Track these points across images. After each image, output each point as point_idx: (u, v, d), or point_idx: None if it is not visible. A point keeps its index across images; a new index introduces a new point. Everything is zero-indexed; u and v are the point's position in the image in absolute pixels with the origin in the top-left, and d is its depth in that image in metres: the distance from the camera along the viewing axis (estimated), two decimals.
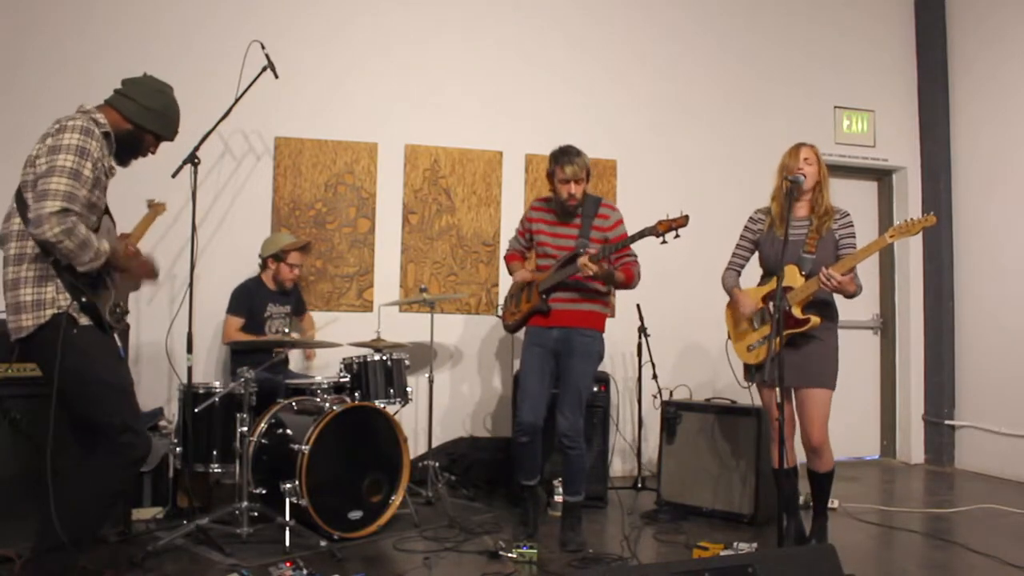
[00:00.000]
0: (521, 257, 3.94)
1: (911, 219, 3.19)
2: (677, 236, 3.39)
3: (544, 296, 3.65)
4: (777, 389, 3.04)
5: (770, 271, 3.54)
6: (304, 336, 4.56)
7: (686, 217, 3.38)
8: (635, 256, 3.65)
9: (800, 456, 3.55)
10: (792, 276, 3.34)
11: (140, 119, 2.75)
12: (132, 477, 2.70)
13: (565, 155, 3.59)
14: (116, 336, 2.77)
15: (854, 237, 3.40)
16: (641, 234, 3.41)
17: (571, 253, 3.59)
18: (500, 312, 4.00)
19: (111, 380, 2.62)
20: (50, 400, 2.51)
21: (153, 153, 2.87)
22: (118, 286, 2.75)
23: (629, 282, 3.63)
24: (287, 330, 4.36)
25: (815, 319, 3.30)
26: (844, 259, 3.28)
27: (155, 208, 3.33)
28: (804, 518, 3.63)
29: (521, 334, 3.89)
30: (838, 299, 3.47)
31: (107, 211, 2.77)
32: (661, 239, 3.38)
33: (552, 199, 3.75)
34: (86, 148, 2.53)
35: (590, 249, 3.48)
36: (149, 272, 2.92)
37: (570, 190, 3.59)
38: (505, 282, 5.11)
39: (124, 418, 2.61)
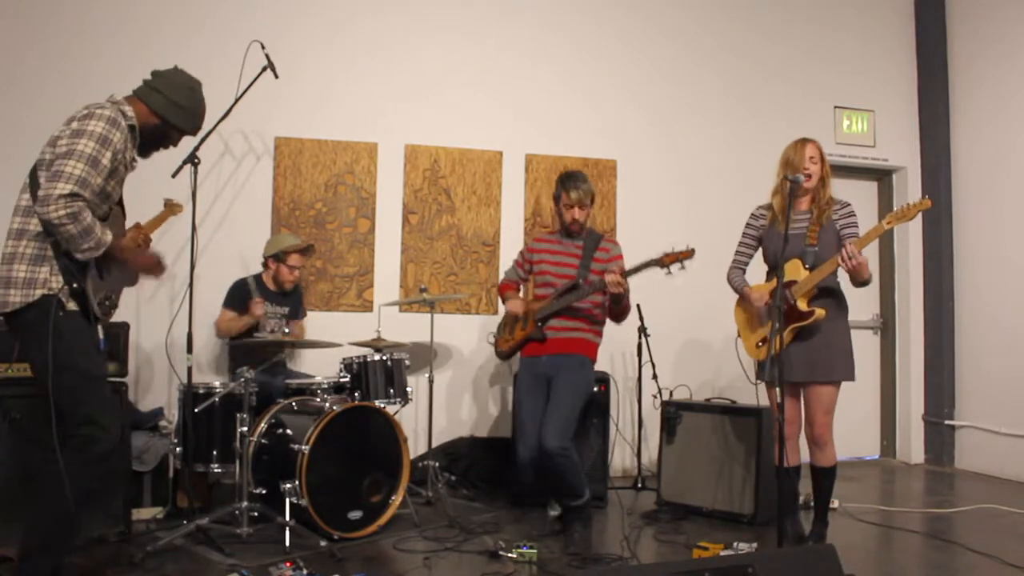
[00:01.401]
0: (516, 287, 4.04)
1: (907, 204, 3.19)
2: (683, 268, 3.48)
3: (540, 324, 3.73)
4: (777, 389, 3.04)
5: (774, 267, 3.54)
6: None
7: (692, 251, 3.46)
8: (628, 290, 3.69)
9: (804, 456, 3.56)
10: (796, 270, 3.35)
11: (170, 115, 2.77)
12: (103, 473, 2.60)
13: (572, 179, 3.73)
14: (100, 328, 2.74)
15: (856, 227, 3.40)
16: (646, 264, 3.49)
17: (570, 283, 3.68)
18: (492, 340, 4.05)
19: (86, 368, 2.58)
20: (43, 396, 2.50)
21: (175, 146, 2.91)
22: (113, 279, 2.74)
23: (626, 311, 3.76)
24: (286, 330, 4.36)
25: (820, 311, 3.30)
26: (852, 242, 3.28)
27: (171, 208, 3.33)
28: (804, 518, 3.63)
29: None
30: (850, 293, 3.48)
31: (119, 201, 2.78)
32: (667, 271, 3.48)
33: (555, 232, 3.91)
34: (109, 138, 2.54)
35: (613, 268, 3.53)
36: (152, 266, 2.87)
37: (574, 215, 3.74)
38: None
39: (90, 409, 2.55)
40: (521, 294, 4.07)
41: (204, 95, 2.90)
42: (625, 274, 3.48)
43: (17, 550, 2.60)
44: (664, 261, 3.44)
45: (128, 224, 2.94)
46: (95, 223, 2.51)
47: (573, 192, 3.70)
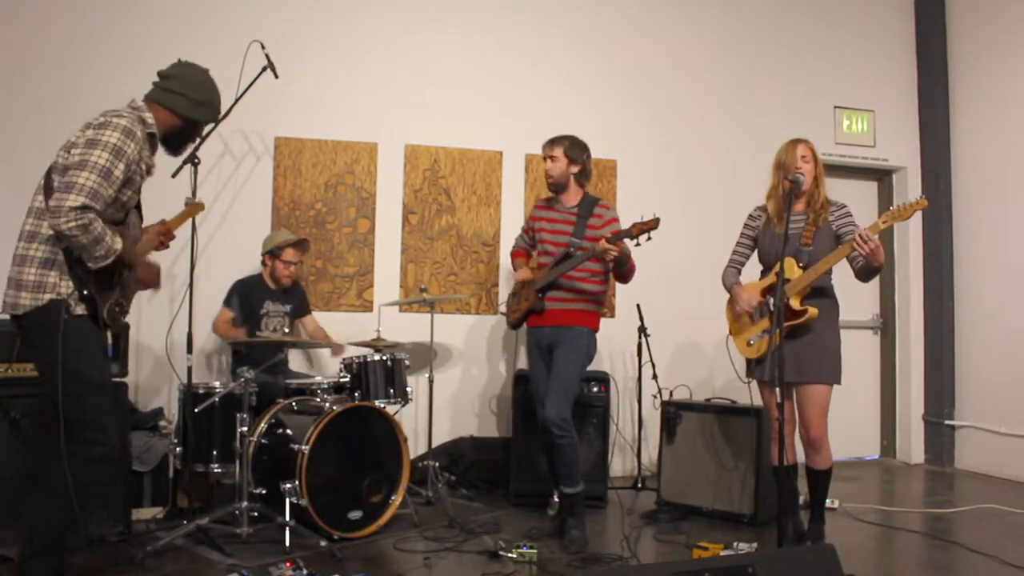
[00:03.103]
0: (525, 254, 4.03)
1: (903, 203, 3.17)
2: (649, 239, 3.44)
3: (540, 295, 3.73)
4: (777, 388, 3.04)
5: (769, 266, 3.55)
6: (315, 339, 4.54)
7: (657, 220, 3.41)
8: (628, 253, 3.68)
9: (800, 455, 3.56)
10: (789, 268, 3.34)
11: (194, 114, 2.82)
12: (101, 476, 2.62)
13: (548, 138, 3.83)
14: (108, 334, 2.75)
15: (855, 226, 3.38)
16: (618, 236, 3.46)
17: (564, 251, 3.68)
18: (504, 309, 4.05)
19: (91, 374, 2.59)
20: (48, 398, 2.51)
21: (200, 135, 2.98)
22: (125, 284, 2.75)
23: (631, 272, 3.70)
24: (286, 330, 4.36)
25: (812, 310, 3.30)
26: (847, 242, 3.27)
27: (193, 207, 3.36)
28: (804, 518, 3.63)
29: (523, 332, 3.95)
30: (839, 292, 3.48)
31: (137, 205, 2.80)
32: (635, 242, 3.44)
33: (551, 198, 3.88)
34: (123, 149, 2.54)
35: (604, 234, 3.50)
36: (154, 279, 2.90)
37: (546, 167, 3.79)
38: (504, 281, 5.13)
39: (95, 413, 2.57)
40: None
41: (218, 93, 2.92)
42: (614, 239, 3.43)
43: (18, 550, 2.60)
44: (632, 232, 3.42)
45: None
46: (105, 232, 2.52)
47: (545, 147, 3.80)
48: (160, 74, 2.82)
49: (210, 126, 3.90)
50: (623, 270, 3.63)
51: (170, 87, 2.78)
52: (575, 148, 3.75)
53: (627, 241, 3.47)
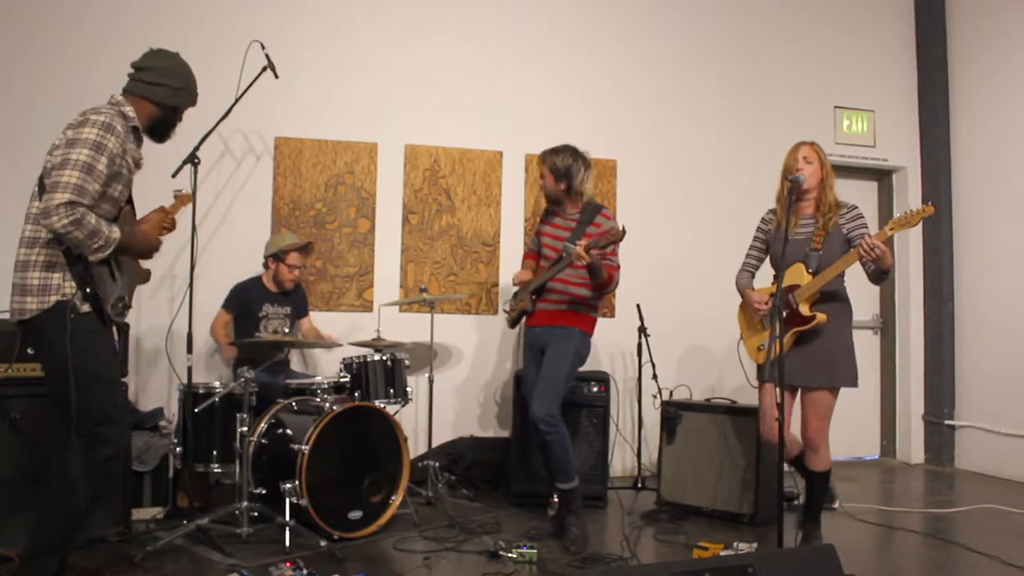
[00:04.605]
0: (534, 256, 4.04)
1: (910, 210, 3.17)
2: (613, 251, 3.58)
3: (533, 297, 3.78)
4: (777, 389, 3.03)
5: (779, 271, 3.54)
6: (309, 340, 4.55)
7: (623, 232, 3.43)
8: (617, 264, 3.70)
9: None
10: (799, 274, 3.34)
11: (174, 101, 2.83)
12: (110, 473, 2.65)
13: (543, 151, 3.86)
14: (114, 330, 2.77)
15: (866, 227, 3.37)
16: (590, 244, 3.45)
17: (558, 256, 3.70)
18: (508, 308, 4.09)
19: (100, 370, 2.61)
20: (55, 398, 2.53)
21: (180, 120, 2.97)
22: (125, 279, 2.76)
23: (609, 282, 3.69)
24: (286, 330, 4.36)
25: (821, 316, 3.30)
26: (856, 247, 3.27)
27: (181, 198, 3.39)
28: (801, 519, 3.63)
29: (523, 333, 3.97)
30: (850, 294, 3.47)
31: (129, 199, 2.81)
32: (609, 249, 3.52)
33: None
34: (103, 144, 2.56)
35: (581, 241, 3.51)
36: (152, 243, 2.87)
37: (541, 182, 3.89)
38: (504, 282, 5.13)
39: (105, 409, 2.60)
40: None
41: (194, 77, 2.91)
42: (588, 246, 3.42)
43: (22, 549, 2.60)
44: (600, 242, 3.42)
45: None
46: (100, 223, 2.54)
47: (538, 161, 3.88)
48: (134, 66, 2.83)
49: (210, 125, 3.97)
50: (598, 280, 3.62)
51: (148, 78, 2.78)
52: (560, 168, 3.75)
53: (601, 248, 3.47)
